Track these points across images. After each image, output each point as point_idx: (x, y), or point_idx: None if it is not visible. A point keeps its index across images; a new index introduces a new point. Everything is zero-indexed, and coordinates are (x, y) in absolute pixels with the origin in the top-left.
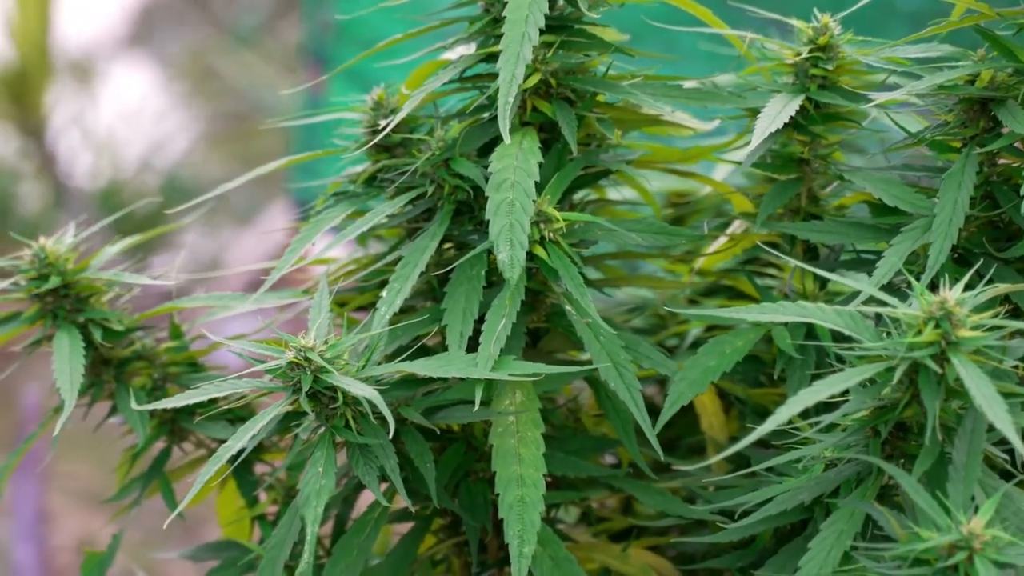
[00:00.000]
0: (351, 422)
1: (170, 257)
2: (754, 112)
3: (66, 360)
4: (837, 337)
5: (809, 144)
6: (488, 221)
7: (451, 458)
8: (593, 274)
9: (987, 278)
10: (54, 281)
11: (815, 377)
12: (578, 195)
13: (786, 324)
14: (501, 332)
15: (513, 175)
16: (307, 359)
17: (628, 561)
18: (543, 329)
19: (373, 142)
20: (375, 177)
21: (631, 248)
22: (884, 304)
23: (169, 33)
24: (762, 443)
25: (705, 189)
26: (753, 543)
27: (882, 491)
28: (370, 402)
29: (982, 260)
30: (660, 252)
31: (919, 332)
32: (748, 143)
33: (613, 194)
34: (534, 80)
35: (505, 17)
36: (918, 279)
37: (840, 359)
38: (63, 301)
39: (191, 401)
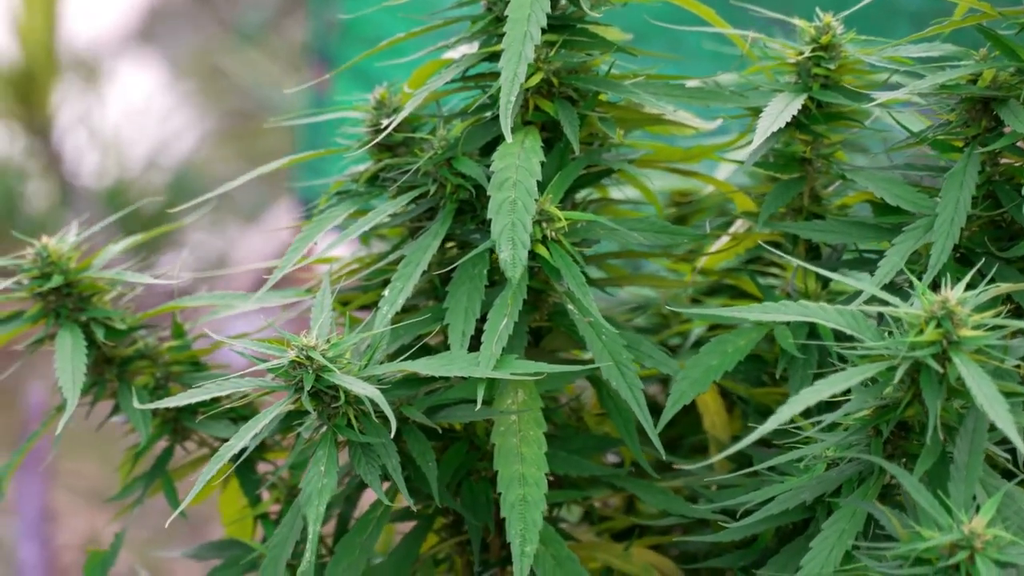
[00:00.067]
0: (353, 421)
1: (176, 256)
2: (756, 111)
3: (68, 359)
4: (839, 336)
5: (811, 143)
6: (490, 220)
7: (453, 457)
8: (595, 273)
9: (989, 277)
10: (56, 280)
11: (817, 376)
12: (580, 194)
13: (788, 323)
14: (503, 331)
15: (515, 174)
16: (309, 358)
17: (630, 560)
18: (545, 328)
19: (375, 141)
20: (377, 176)
21: (633, 247)
22: (886, 303)
23: (175, 32)
24: (764, 442)
25: (708, 188)
26: (755, 542)
27: (884, 490)
28: (372, 401)
29: (984, 259)
30: (662, 251)
31: (921, 331)
32: (750, 142)
33: (615, 193)
34: (536, 79)
35: (507, 16)
36: (920, 278)
37: (842, 358)
38: (65, 300)
39: (193, 400)
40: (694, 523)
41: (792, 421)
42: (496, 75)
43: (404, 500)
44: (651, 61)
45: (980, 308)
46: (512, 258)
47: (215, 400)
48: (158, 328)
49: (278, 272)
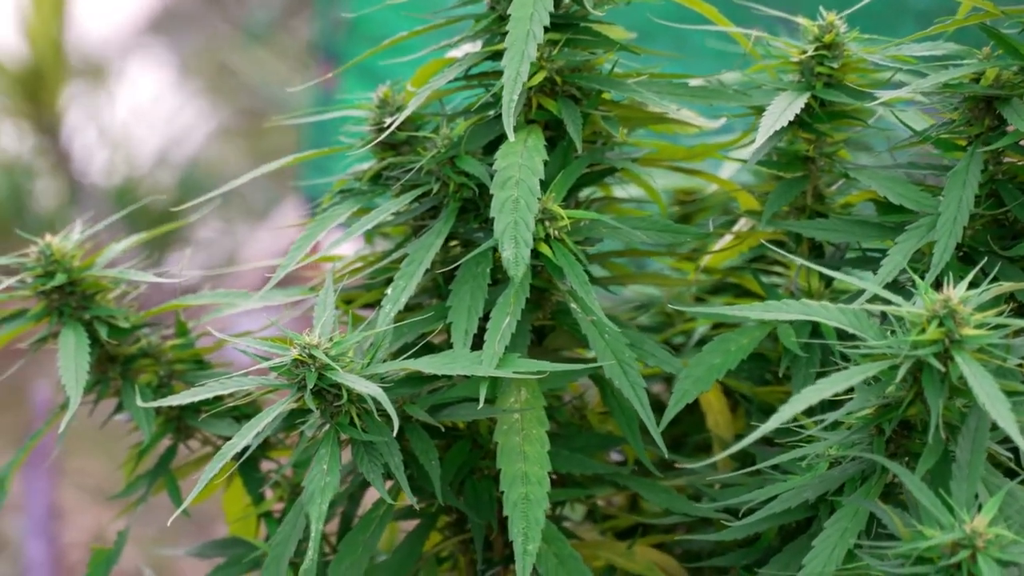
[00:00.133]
0: (356, 419)
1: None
2: (760, 110)
3: (71, 357)
4: (842, 335)
5: (815, 142)
6: (493, 219)
7: (456, 455)
8: (598, 272)
9: (991, 276)
10: (60, 278)
11: (820, 375)
12: (583, 193)
13: (791, 322)
14: (506, 330)
15: (518, 173)
16: (312, 356)
17: (633, 559)
18: (549, 327)
19: (378, 140)
20: (381, 174)
21: (637, 246)
22: (888, 302)
23: (183, 30)
24: (768, 441)
25: (711, 187)
26: (758, 541)
27: (886, 489)
28: (374, 399)
29: (987, 258)
30: (666, 250)
31: (923, 330)
32: (754, 141)
33: (619, 192)
34: (539, 78)
35: (510, 15)
36: (923, 277)
37: (845, 357)
38: (69, 298)
39: (196, 398)
40: (697, 522)
41: (795, 420)
42: (499, 74)
43: (407, 498)
44: (655, 60)
45: (982, 307)
46: (515, 257)
47: (218, 398)
48: (162, 326)
49: (281, 271)
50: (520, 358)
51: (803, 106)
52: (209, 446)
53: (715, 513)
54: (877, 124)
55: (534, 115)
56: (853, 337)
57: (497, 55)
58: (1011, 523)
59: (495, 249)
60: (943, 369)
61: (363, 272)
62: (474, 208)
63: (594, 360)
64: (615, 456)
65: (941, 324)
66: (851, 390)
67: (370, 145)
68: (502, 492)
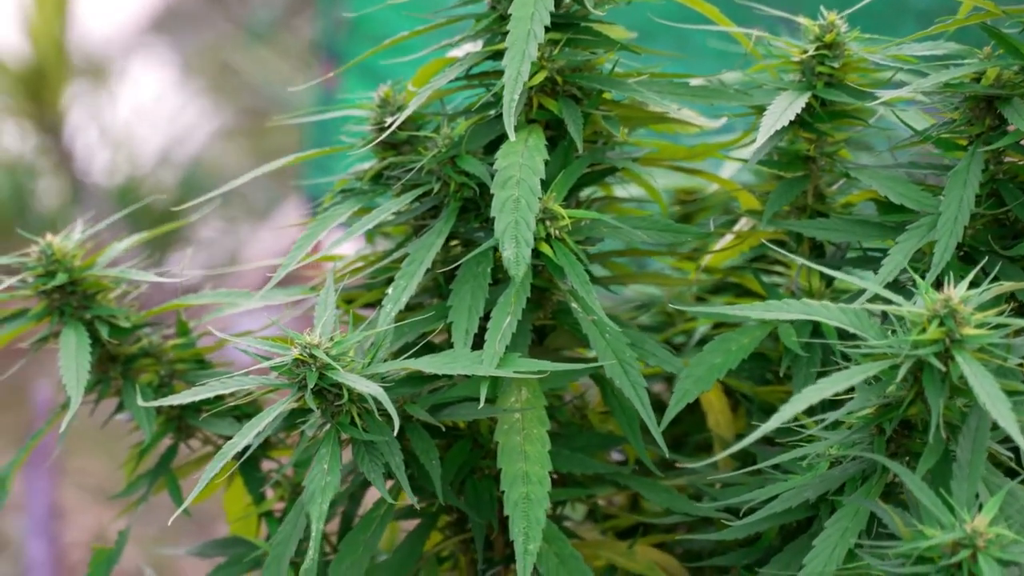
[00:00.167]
0: (356, 419)
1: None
2: (760, 110)
3: (72, 357)
4: (843, 335)
5: (816, 142)
6: (494, 218)
7: (457, 455)
8: (599, 271)
9: (992, 276)
10: (61, 278)
11: (821, 375)
12: (584, 192)
13: (792, 321)
14: (506, 329)
15: (519, 172)
16: (312, 356)
17: (634, 558)
18: (550, 326)
19: (379, 139)
20: (382, 174)
21: (638, 245)
22: (889, 302)
23: (186, 30)
24: (769, 440)
25: (712, 186)
26: (759, 540)
27: (887, 488)
28: (375, 399)
29: (987, 258)
30: (667, 249)
31: (923, 330)
32: (754, 140)
33: (620, 191)
34: (540, 78)
35: (511, 14)
36: (923, 277)
37: (845, 357)
38: (70, 298)
39: (197, 398)
40: (698, 521)
41: (796, 419)
42: (500, 73)
43: (408, 498)
44: (656, 59)
45: (983, 307)
46: (515, 256)
47: (219, 398)
48: (163, 326)
49: (282, 270)
50: (521, 358)
51: (804, 106)
52: (210, 445)
53: (716, 513)
54: (878, 124)
55: (535, 115)
56: (854, 337)
57: (498, 55)
58: (1012, 523)
59: (496, 249)
60: (944, 369)
61: (364, 272)
62: (475, 208)
63: (595, 360)
64: (616, 456)
65: (942, 324)
66: (852, 390)
67: (371, 145)
68: (503, 492)
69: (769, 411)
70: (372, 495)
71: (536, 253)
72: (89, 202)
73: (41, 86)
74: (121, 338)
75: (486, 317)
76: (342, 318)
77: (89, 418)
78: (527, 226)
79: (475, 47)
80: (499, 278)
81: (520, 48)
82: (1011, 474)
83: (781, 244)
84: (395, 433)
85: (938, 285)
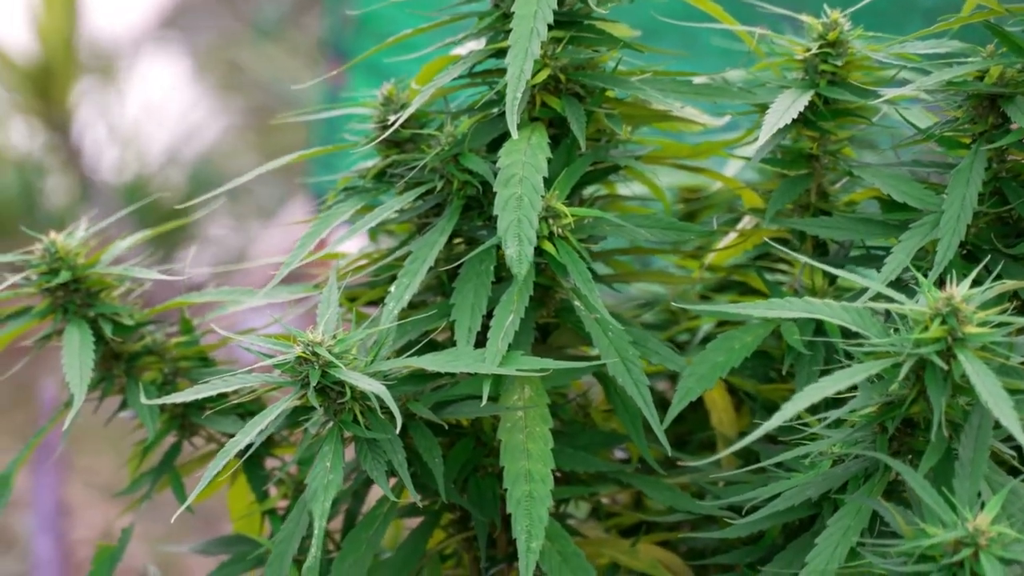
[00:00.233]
0: (359, 417)
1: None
2: (764, 108)
3: (76, 355)
4: (846, 333)
5: (819, 140)
6: (496, 216)
7: (460, 453)
8: (603, 269)
9: (995, 274)
10: (64, 276)
11: (824, 373)
12: (587, 190)
13: (795, 320)
14: (509, 327)
15: (521, 170)
16: (315, 354)
17: (637, 556)
18: (553, 324)
19: (382, 137)
20: (385, 172)
21: (641, 243)
22: (892, 300)
23: (194, 27)
24: (773, 439)
25: (716, 185)
26: (762, 539)
27: (890, 487)
28: (378, 397)
29: (990, 256)
30: (671, 247)
31: (926, 328)
32: (757, 139)
33: (623, 190)
34: (543, 76)
35: (514, 12)
36: (926, 275)
37: (848, 355)
38: (73, 296)
39: (200, 396)
40: (702, 519)
41: (800, 417)
42: (503, 71)
43: (411, 496)
44: (661, 58)
45: (986, 305)
46: (518, 254)
47: (222, 396)
48: (166, 324)
49: (284, 268)
50: (523, 356)
51: (807, 104)
52: (214, 443)
53: (719, 511)
54: (881, 122)
55: (538, 113)
56: (857, 335)
57: (501, 53)
58: (1014, 521)
59: (499, 247)
60: (946, 367)
61: (367, 269)
62: (478, 206)
63: (598, 358)
64: (619, 454)
65: (944, 322)
66: (854, 388)
67: (374, 143)
68: (505, 490)
69: (772, 409)
70: (375, 493)
71: (539, 251)
72: (97, 200)
73: (49, 83)
74: (125, 336)
75: (489, 315)
76: (345, 316)
77: (97, 416)
78: (530, 224)
79: (478, 45)
80: (502, 276)
81: (523, 46)
82: (1013, 472)
83: (784, 242)
84: (398, 431)
85: (941, 283)
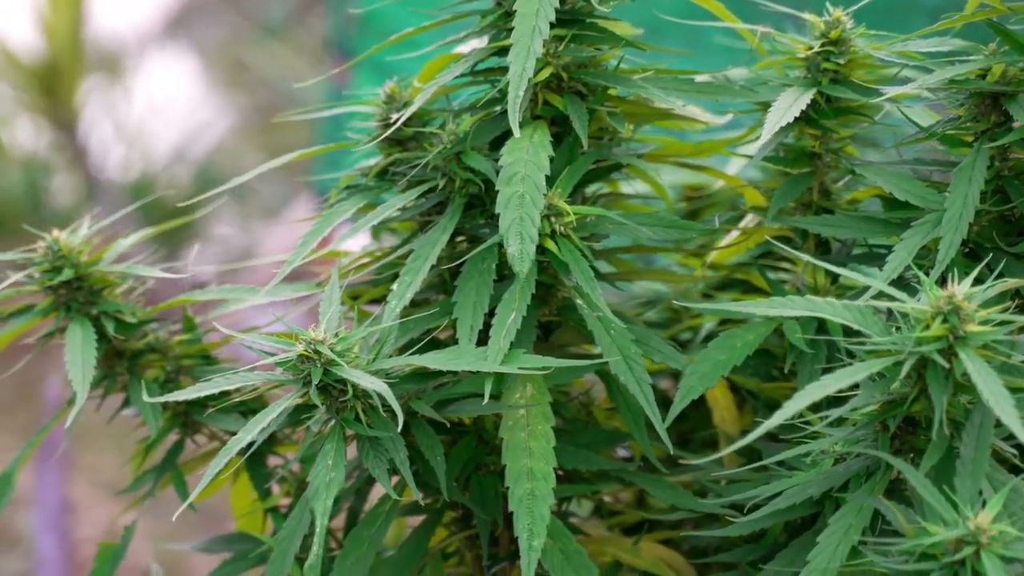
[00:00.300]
0: (361, 415)
1: (201, 249)
2: (766, 106)
3: (78, 352)
4: (848, 332)
5: (821, 138)
6: (498, 215)
7: (462, 451)
8: (605, 268)
9: (997, 272)
10: (67, 273)
11: (826, 371)
12: (590, 189)
13: (797, 318)
14: (511, 325)
15: (523, 169)
16: (317, 352)
17: (640, 554)
18: (555, 322)
19: (384, 136)
20: (387, 170)
21: (643, 242)
22: (893, 299)
23: (200, 26)
24: (774, 437)
25: (719, 183)
26: (764, 537)
27: (891, 485)
28: (380, 395)
29: (992, 254)
30: (673, 246)
31: (927, 327)
32: (760, 137)
33: (626, 188)
34: (545, 74)
35: (516, 11)
36: (928, 274)
37: (850, 353)
38: (76, 293)
39: (202, 394)
40: (705, 517)
41: (802, 416)
42: (505, 70)
43: (413, 494)
44: (663, 56)
45: (987, 303)
46: (520, 252)
47: (224, 394)
48: (169, 322)
49: (286, 266)
50: (525, 354)
51: (809, 102)
52: (216, 441)
53: (721, 509)
54: (884, 120)
55: (540, 111)
56: (858, 333)
57: (503, 51)
58: (1015, 520)
59: (501, 245)
60: (947, 365)
61: (370, 268)
62: (480, 204)
63: (600, 356)
64: (622, 452)
65: (945, 320)
66: (856, 386)
67: (376, 141)
68: (507, 488)
69: (774, 407)
70: (378, 491)
71: (541, 249)
72: (103, 198)
73: (55, 82)
74: (127, 334)
75: (491, 313)
76: (347, 314)
77: (100, 414)
78: (532, 222)
79: (481, 43)
80: (504, 274)
81: (525, 44)
82: (1015, 471)
83: (787, 241)
84: (399, 429)
85: (943, 282)
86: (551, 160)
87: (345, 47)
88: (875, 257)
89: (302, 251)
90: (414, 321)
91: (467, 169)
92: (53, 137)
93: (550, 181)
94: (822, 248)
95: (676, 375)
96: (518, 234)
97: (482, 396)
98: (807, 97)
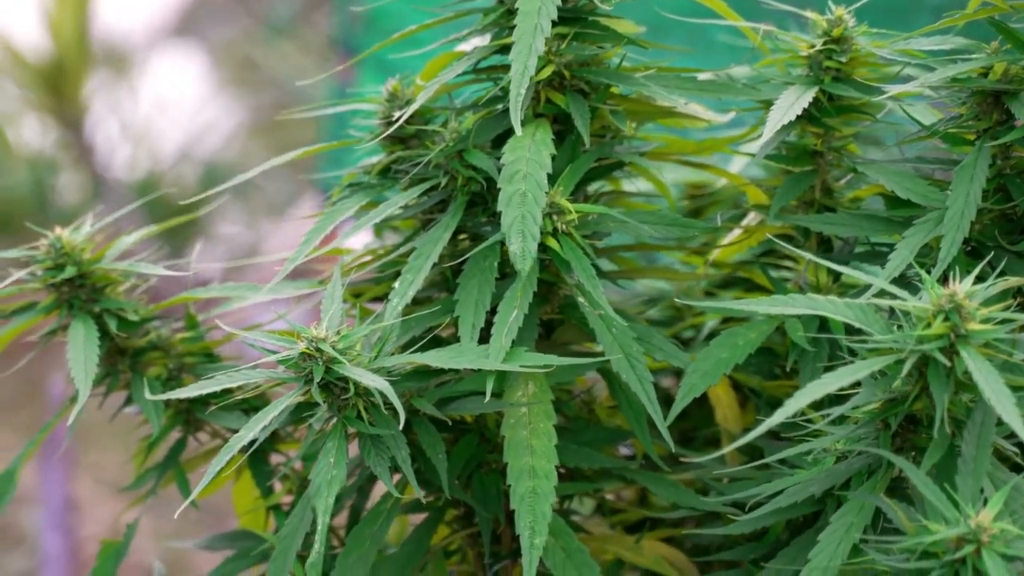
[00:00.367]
0: (363, 413)
1: (207, 247)
2: (769, 104)
3: (81, 350)
4: (850, 330)
5: (823, 136)
6: (500, 212)
7: (464, 449)
8: (607, 266)
9: (999, 271)
10: (70, 271)
11: (827, 369)
12: (592, 187)
13: (799, 316)
14: (513, 323)
15: (525, 166)
16: (319, 350)
17: (642, 552)
18: (557, 320)
19: (387, 133)
20: (390, 168)
21: (646, 240)
22: (895, 297)
23: (207, 25)
24: (776, 435)
25: (722, 181)
26: (766, 535)
27: (892, 483)
28: (381, 393)
29: (994, 253)
30: (676, 244)
31: (928, 325)
32: (762, 135)
33: (628, 186)
34: (547, 72)
35: (518, 9)
36: (930, 272)
37: (852, 352)
38: (79, 291)
39: (205, 391)
40: (706, 515)
41: (803, 414)
42: (507, 68)
43: (415, 492)
44: (665, 54)
45: (989, 302)
46: (522, 250)
47: (227, 391)
48: (172, 319)
49: (288, 264)
50: (527, 352)
51: (811, 100)
52: (219, 439)
53: (723, 507)
54: (886, 118)
55: (542, 109)
56: (860, 331)
57: (505, 49)
58: (1016, 518)
59: (503, 243)
60: (949, 364)
61: (372, 265)
62: (482, 202)
63: (602, 354)
64: (624, 450)
65: (947, 319)
66: (858, 384)
67: (379, 139)
68: (509, 486)
69: (776, 405)
70: (379, 489)
71: (543, 247)
72: (110, 197)
73: (62, 80)
74: (130, 331)
75: (493, 311)
76: (350, 312)
77: (105, 412)
78: (533, 220)
79: (483, 41)
80: (506, 272)
81: (527, 42)
82: (1016, 469)
83: (789, 239)
84: (401, 427)
85: (944, 280)
86: (553, 158)
87: (351, 45)
88: (877, 255)
89: (304, 249)
90: (416, 319)
91: (469, 167)
92: (59, 135)
93: (552, 179)
94: (824, 246)
95: (678, 373)
96: (520, 232)
97: (484, 394)
98: (809, 95)
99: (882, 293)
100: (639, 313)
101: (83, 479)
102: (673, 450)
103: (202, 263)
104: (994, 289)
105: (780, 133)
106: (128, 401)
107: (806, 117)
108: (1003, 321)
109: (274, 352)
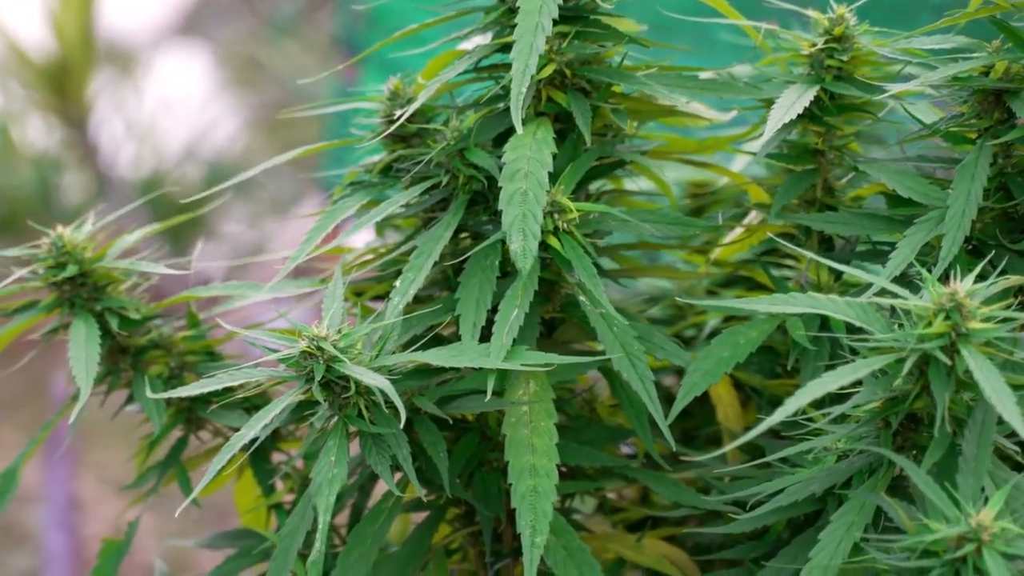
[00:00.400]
0: (364, 411)
1: (211, 246)
2: (770, 103)
3: (82, 348)
4: (851, 328)
5: (825, 135)
6: (502, 211)
7: (465, 448)
8: (609, 265)
9: (1000, 269)
10: (71, 270)
11: (828, 368)
12: (593, 186)
13: (800, 315)
14: (514, 322)
15: (526, 165)
16: (320, 348)
17: (643, 551)
18: (559, 319)
19: (388, 132)
20: (391, 167)
21: (647, 239)
22: (896, 296)
23: (211, 24)
24: (777, 434)
25: (723, 180)
26: (767, 534)
27: (893, 482)
28: (382, 391)
29: (995, 251)
30: (677, 243)
31: (929, 324)
32: (763, 134)
33: (630, 185)
34: (549, 70)
35: (519, 7)
36: (931, 271)
37: (853, 351)
38: (80, 290)
39: (206, 390)
40: (708, 514)
41: (804, 413)
42: (508, 66)
43: (416, 491)
44: (667, 53)
45: (990, 300)
46: (523, 249)
47: (228, 390)
48: (173, 318)
49: (290, 262)
50: (528, 350)
51: (813, 99)
52: (220, 437)
53: (724, 506)
54: (887, 117)
55: (543, 108)
56: (861, 330)
57: (506, 47)
58: (1017, 517)
59: (504, 241)
60: (949, 363)
61: (373, 264)
62: (483, 200)
63: (603, 353)
64: (625, 449)
65: (947, 317)
66: (859, 383)
67: (380, 137)
68: (510, 484)
69: (778, 404)
70: (381, 487)
71: (544, 246)
72: (114, 196)
73: (66, 80)
74: (131, 330)
75: (494, 310)
76: (351, 310)
77: (108, 411)
78: (534, 219)
79: (484, 40)
80: (507, 271)
81: (528, 41)
82: (1017, 468)
83: (790, 238)
84: (402, 426)
85: (945, 279)
86: (554, 157)
87: (353, 44)
88: (878, 254)
89: (306, 248)
90: (417, 317)
91: (470, 166)
92: (64, 135)
93: (553, 178)
94: (825, 245)
95: (679, 372)
96: (521, 231)
97: (485, 392)
98: (811, 94)
99: (883, 292)
100: (640, 312)
101: (87, 478)
102: (674, 449)
103: (206, 261)
104: (995, 288)
105: (781, 132)
106: (130, 399)
107: (807, 116)
108: (1004, 320)
109: (275, 351)
